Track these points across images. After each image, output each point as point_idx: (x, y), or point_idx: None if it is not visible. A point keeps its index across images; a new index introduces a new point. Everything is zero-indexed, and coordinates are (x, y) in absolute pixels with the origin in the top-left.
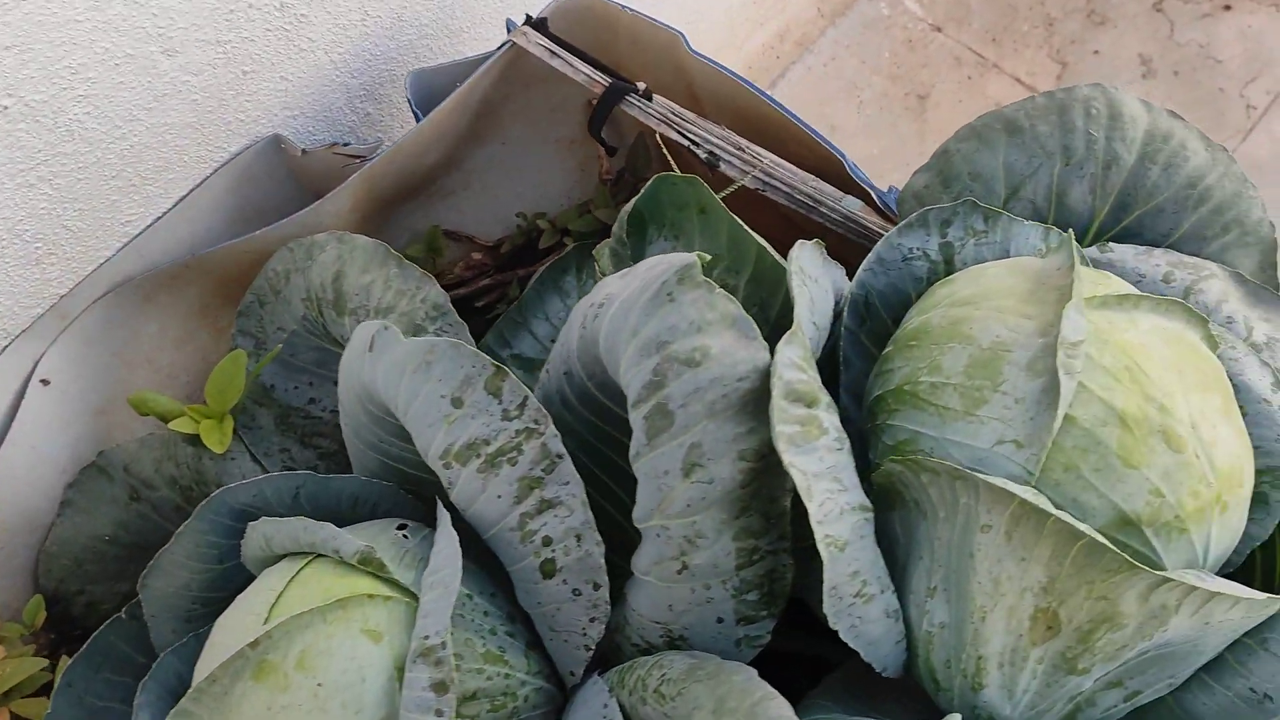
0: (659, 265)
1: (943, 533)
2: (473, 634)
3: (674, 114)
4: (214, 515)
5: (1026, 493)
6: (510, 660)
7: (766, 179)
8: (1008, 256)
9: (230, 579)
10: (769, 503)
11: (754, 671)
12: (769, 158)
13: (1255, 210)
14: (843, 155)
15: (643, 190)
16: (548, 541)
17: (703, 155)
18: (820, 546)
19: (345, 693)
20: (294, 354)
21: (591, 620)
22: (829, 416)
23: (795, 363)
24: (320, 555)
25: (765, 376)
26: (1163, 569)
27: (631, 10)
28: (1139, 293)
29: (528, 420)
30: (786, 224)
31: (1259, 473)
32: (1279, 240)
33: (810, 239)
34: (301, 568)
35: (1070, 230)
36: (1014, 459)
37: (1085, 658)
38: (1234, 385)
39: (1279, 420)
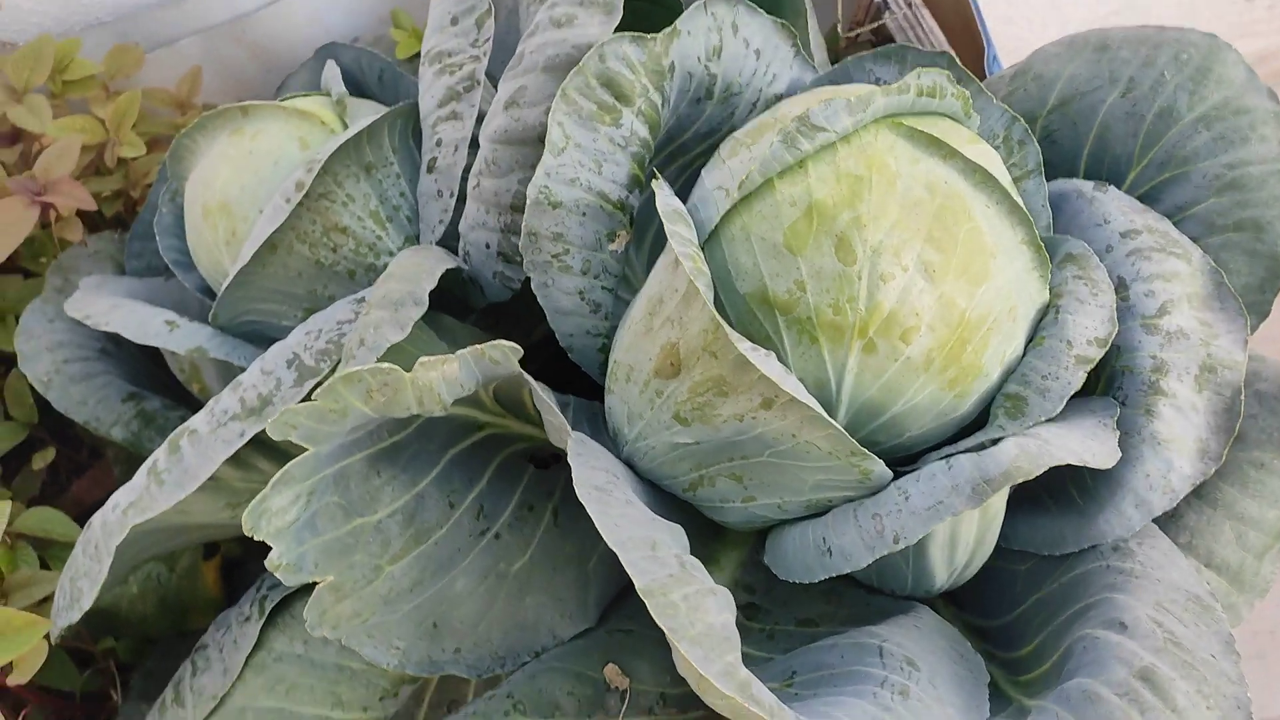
0: None
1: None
2: (373, 190)
3: None
4: None
5: (689, 247)
6: (389, 232)
7: (904, 43)
8: (972, 116)
9: None
10: None
11: None
12: (929, 23)
13: None
14: (989, 42)
15: None
16: (439, 143)
17: (876, 1)
18: (531, 190)
19: (268, 157)
20: None
21: (440, 221)
22: (632, 119)
23: (628, 60)
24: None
25: (600, 53)
26: (786, 364)
27: None
28: (957, 149)
29: (479, 51)
30: None
31: (1006, 395)
32: None
33: None
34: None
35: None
36: (720, 205)
37: (691, 412)
38: (1050, 317)
39: (1064, 368)
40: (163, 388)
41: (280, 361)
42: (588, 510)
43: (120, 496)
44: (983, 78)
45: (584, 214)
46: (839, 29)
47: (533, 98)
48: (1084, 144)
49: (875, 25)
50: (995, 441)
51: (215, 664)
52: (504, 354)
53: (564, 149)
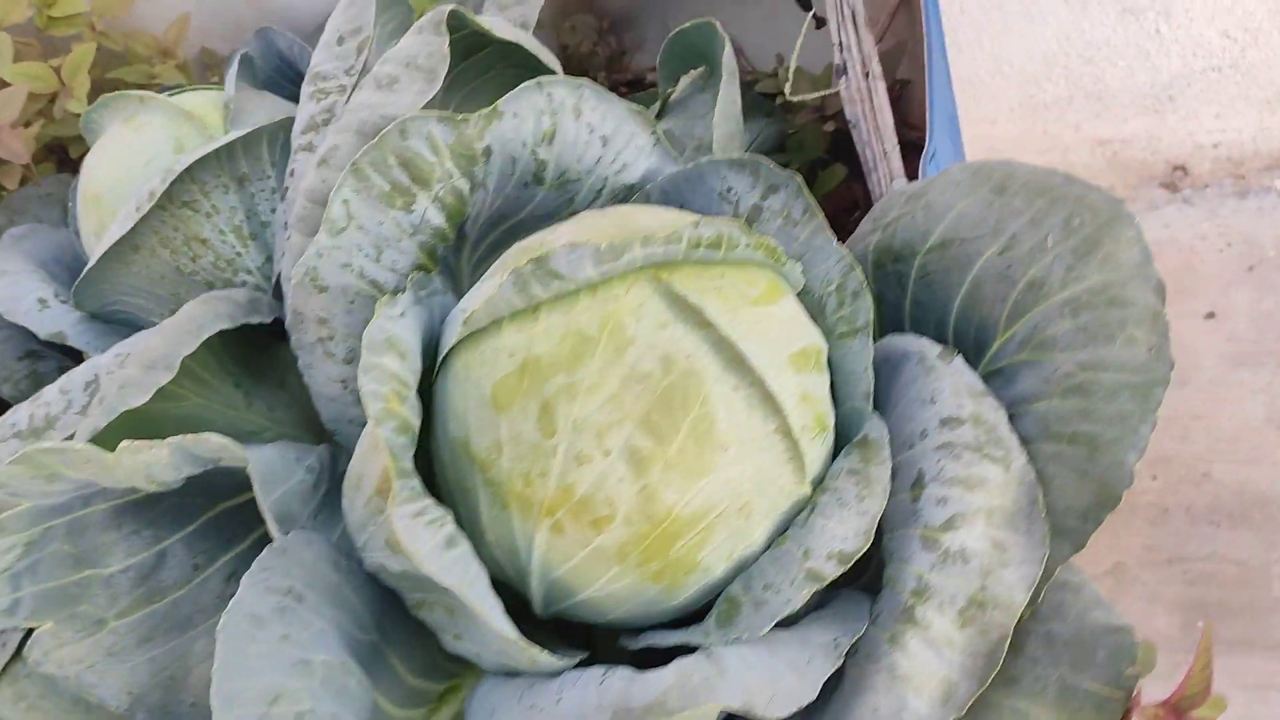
0: (440, 10)
1: None
2: (241, 204)
3: (849, 6)
4: None
5: (383, 385)
6: (249, 249)
7: (852, 116)
8: (789, 263)
9: None
10: None
11: None
12: (880, 100)
13: (1130, 452)
14: (931, 136)
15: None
16: (293, 173)
17: (836, 59)
18: (297, 270)
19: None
20: None
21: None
22: (427, 205)
23: (432, 141)
24: None
25: (402, 128)
26: (479, 523)
27: None
28: (710, 320)
29: (349, 80)
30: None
31: (727, 595)
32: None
33: None
34: None
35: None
36: (453, 333)
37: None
38: (804, 515)
39: (789, 582)
40: (70, 351)
41: (80, 383)
42: (217, 643)
43: None
44: (913, 176)
45: (352, 301)
46: (786, 89)
47: (341, 161)
48: (955, 296)
49: (825, 94)
50: (690, 650)
51: None
52: (221, 448)
53: (343, 229)
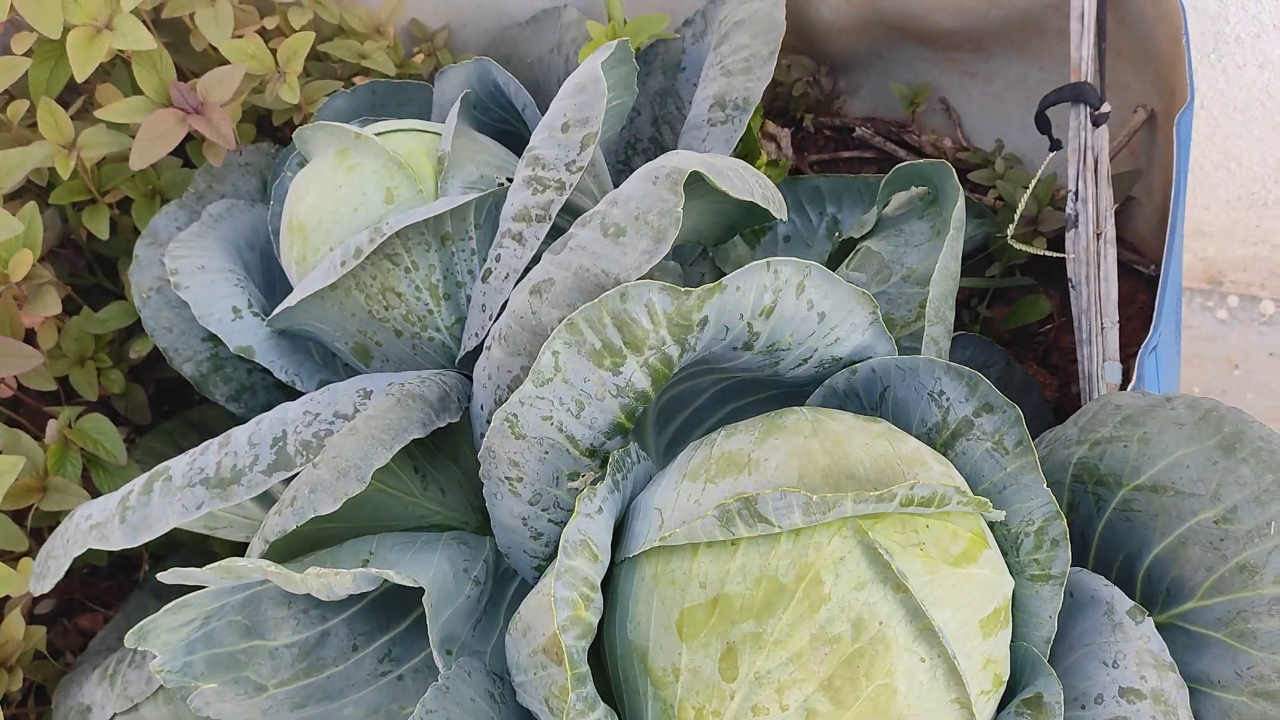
0: (681, 163)
1: None
2: (439, 263)
3: (1093, 153)
4: None
5: (571, 591)
6: (442, 308)
7: (1074, 276)
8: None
9: None
10: None
11: None
12: (1109, 269)
13: None
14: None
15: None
16: (499, 259)
17: (1068, 210)
18: (499, 414)
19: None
20: None
21: (476, 334)
22: (635, 369)
23: (650, 309)
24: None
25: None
26: None
27: None
28: (906, 585)
29: (569, 176)
30: None
31: None
32: None
33: None
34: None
35: None
36: (648, 535)
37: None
38: None
39: None
40: None
41: (269, 436)
42: None
43: (94, 510)
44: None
45: (546, 452)
46: (1008, 233)
47: (555, 299)
48: (1155, 544)
49: (1048, 255)
50: None
51: (143, 668)
52: (400, 578)
53: (549, 381)
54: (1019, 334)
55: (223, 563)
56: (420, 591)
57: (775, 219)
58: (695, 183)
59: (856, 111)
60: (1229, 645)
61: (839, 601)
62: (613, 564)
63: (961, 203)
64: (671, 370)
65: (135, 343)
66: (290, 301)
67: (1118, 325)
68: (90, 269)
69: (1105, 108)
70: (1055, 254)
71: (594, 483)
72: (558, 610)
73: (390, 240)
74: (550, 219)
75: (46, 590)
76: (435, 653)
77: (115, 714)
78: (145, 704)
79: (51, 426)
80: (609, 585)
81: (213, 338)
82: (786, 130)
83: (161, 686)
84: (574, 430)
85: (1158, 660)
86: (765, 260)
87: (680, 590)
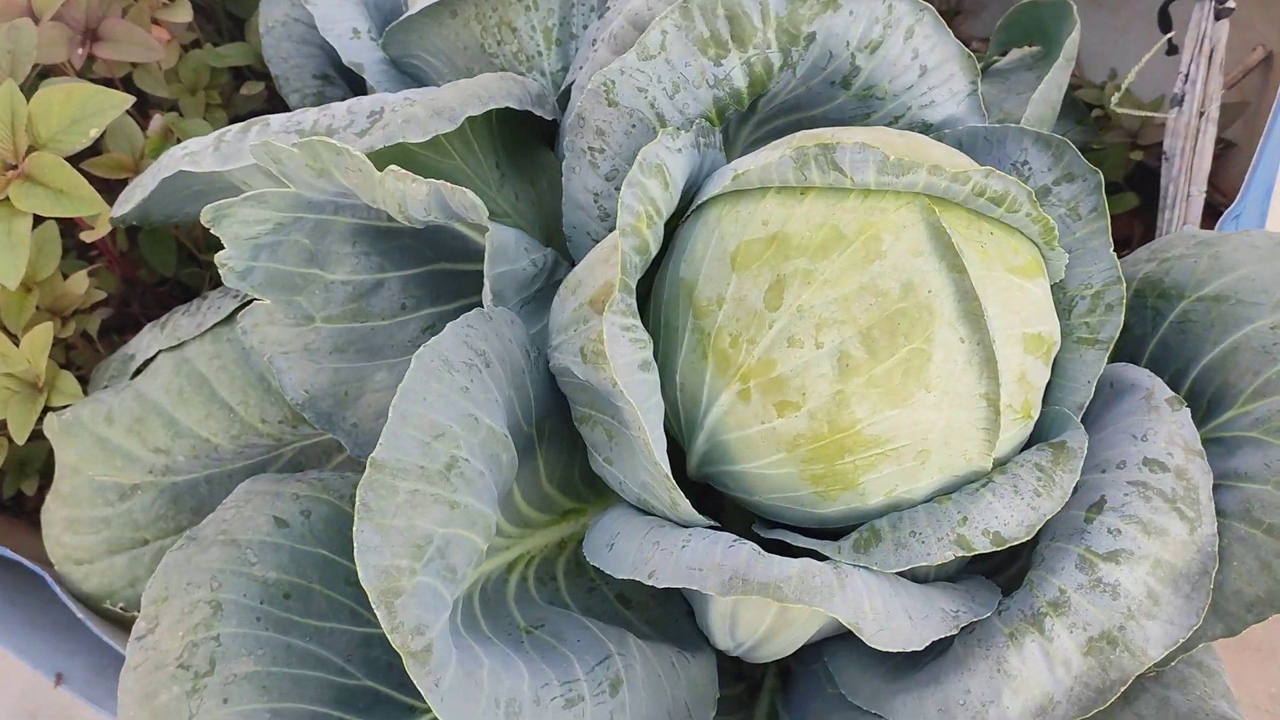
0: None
1: None
2: (558, 7)
3: (1210, 42)
4: None
5: (639, 204)
6: (552, 53)
7: (1169, 149)
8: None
9: None
10: None
11: None
12: (1205, 143)
13: None
14: (1243, 198)
15: None
16: None
17: (1176, 88)
18: (597, 77)
19: None
20: None
21: (581, 66)
22: (735, 65)
23: (764, 7)
24: None
25: None
26: (675, 363)
27: None
28: (966, 266)
29: None
30: None
31: (871, 526)
32: None
33: None
34: None
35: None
36: (719, 183)
37: (590, 354)
38: (974, 487)
39: (936, 539)
40: (358, 81)
41: (367, 109)
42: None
43: (191, 144)
44: (1210, 225)
45: (634, 125)
46: (1113, 101)
47: None
48: (1206, 352)
49: (1152, 115)
50: (823, 557)
51: (196, 315)
52: (474, 206)
53: (652, 57)
54: None
55: (308, 140)
56: (473, 281)
57: None
58: None
59: (976, 32)
60: (1262, 441)
61: (894, 261)
62: (675, 225)
63: (1075, 36)
64: (770, 79)
65: (248, 85)
66: (413, 8)
67: (1204, 195)
68: (219, 31)
69: (1230, 2)
70: (1157, 115)
71: (678, 130)
72: (622, 214)
73: None
74: None
75: (127, 211)
76: (486, 293)
77: (160, 350)
78: (191, 343)
79: (157, 119)
80: (666, 244)
81: (323, 76)
82: None
83: (210, 329)
84: (665, 109)
85: (1188, 445)
86: None
87: (742, 227)
